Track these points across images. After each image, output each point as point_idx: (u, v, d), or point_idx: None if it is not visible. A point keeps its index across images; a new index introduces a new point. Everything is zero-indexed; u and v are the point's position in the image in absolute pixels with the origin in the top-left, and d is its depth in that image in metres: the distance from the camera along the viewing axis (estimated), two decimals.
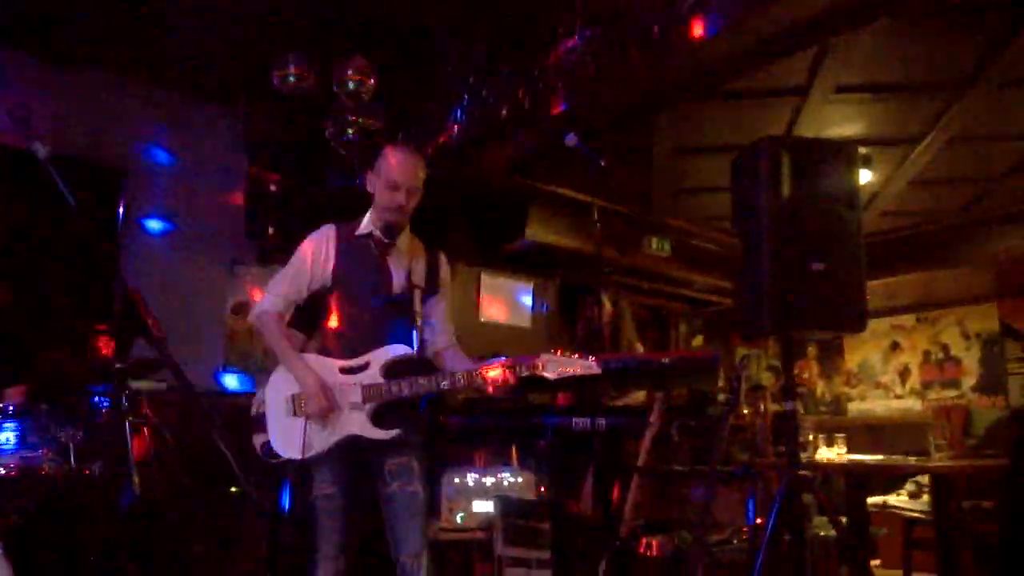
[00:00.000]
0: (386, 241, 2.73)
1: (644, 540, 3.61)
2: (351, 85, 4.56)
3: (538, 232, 5.58)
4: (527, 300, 6.23)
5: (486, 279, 5.98)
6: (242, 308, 5.77)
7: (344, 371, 2.65)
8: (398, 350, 2.66)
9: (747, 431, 4.42)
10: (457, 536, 3.71)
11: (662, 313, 8.05)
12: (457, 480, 3.78)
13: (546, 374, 2.53)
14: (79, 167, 5.09)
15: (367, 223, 2.78)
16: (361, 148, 4.76)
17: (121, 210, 5.27)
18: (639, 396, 4.51)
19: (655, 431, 3.76)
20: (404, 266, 2.76)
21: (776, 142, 2.89)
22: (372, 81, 4.58)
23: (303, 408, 2.61)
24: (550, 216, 5.61)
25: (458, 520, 3.73)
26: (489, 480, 3.78)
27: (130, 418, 3.62)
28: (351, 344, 2.68)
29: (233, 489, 4.74)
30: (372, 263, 2.73)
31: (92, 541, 3.46)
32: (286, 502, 3.52)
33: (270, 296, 2.75)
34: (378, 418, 2.61)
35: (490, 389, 2.58)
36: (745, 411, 4.43)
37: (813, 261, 2.73)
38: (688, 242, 6.59)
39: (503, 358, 2.66)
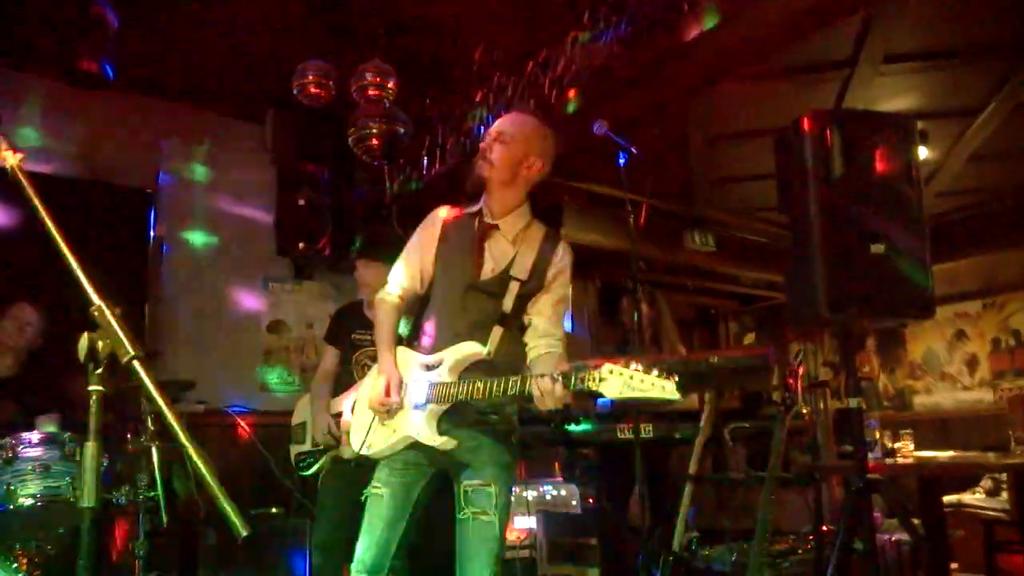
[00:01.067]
0: (489, 222, 2.37)
1: (700, 552, 3.37)
2: (371, 90, 4.43)
3: (574, 232, 5.37)
4: None
5: None
6: (277, 326, 5.69)
7: (424, 367, 2.34)
8: (469, 349, 2.29)
9: (807, 432, 4.14)
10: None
11: (710, 312, 7.76)
12: None
13: (605, 391, 1.96)
14: (109, 190, 5.08)
15: (482, 199, 2.45)
16: (385, 153, 4.62)
17: (152, 231, 5.25)
18: (688, 401, 4.26)
19: (706, 436, 3.52)
20: (505, 252, 2.37)
21: (822, 116, 2.68)
22: (392, 84, 4.44)
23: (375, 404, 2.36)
24: (586, 215, 5.40)
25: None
26: (530, 494, 3.57)
27: (157, 443, 3.55)
28: (434, 336, 2.37)
29: (273, 510, 4.65)
30: (466, 245, 2.38)
31: (122, 569, 3.37)
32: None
33: (390, 284, 2.49)
34: (441, 423, 2.29)
35: (540, 405, 2.09)
36: (804, 411, 4.15)
37: (870, 244, 2.50)
38: (733, 235, 6.31)
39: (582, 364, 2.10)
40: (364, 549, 2.34)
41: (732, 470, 3.60)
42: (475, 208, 2.44)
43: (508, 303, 2.32)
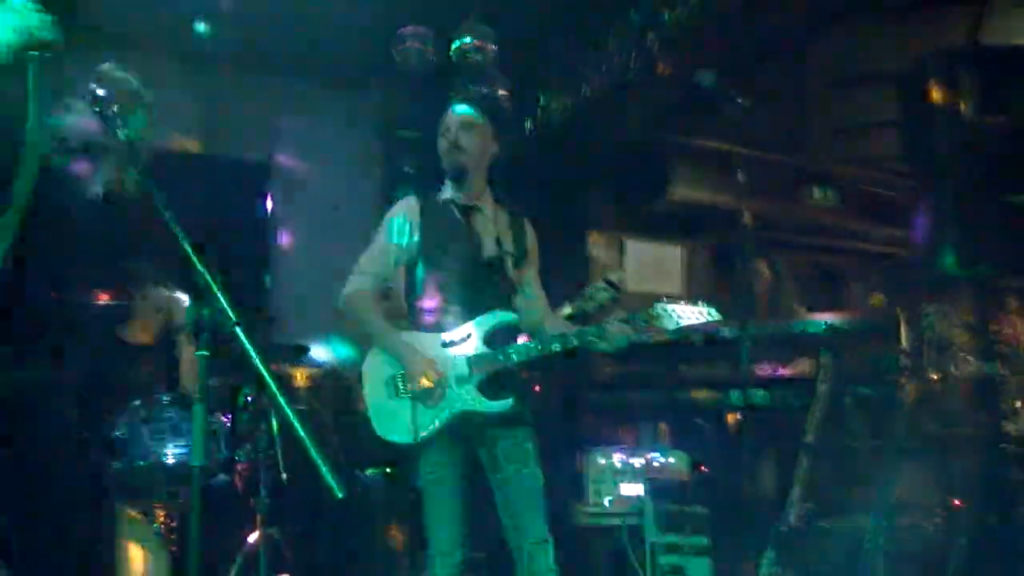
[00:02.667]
0: (469, 206, 2.59)
1: (816, 525, 3.21)
2: (472, 53, 4.37)
3: (683, 190, 5.16)
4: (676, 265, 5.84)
5: (630, 245, 5.63)
6: (388, 293, 5.81)
7: (446, 344, 2.48)
8: (499, 317, 2.51)
9: (937, 399, 3.85)
10: (604, 521, 3.47)
11: (832, 271, 7.34)
12: (602, 461, 3.53)
13: (665, 324, 2.46)
14: (227, 165, 5.32)
15: (446, 189, 2.64)
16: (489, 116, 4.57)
17: (269, 202, 5.45)
18: (804, 365, 4.05)
19: (825, 403, 3.33)
20: (491, 232, 2.60)
21: (951, 55, 2.43)
22: (492, 46, 4.37)
23: (407, 387, 2.43)
24: (696, 172, 5.18)
25: (605, 504, 3.49)
26: (637, 461, 3.50)
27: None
28: (447, 315, 2.51)
29: (388, 470, 4.79)
30: (458, 228, 2.57)
31: (245, 524, 3.54)
32: None
33: (357, 277, 2.58)
34: (488, 390, 2.45)
35: (604, 344, 2.48)
36: (934, 376, 3.86)
37: (1010, 193, 2.27)
38: (857, 188, 5.91)
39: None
40: (443, 535, 2.42)
41: (852, 439, 3.40)
42: (446, 195, 2.63)
43: (510, 274, 2.60)
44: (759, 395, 3.45)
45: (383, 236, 2.60)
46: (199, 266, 1.44)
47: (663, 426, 3.71)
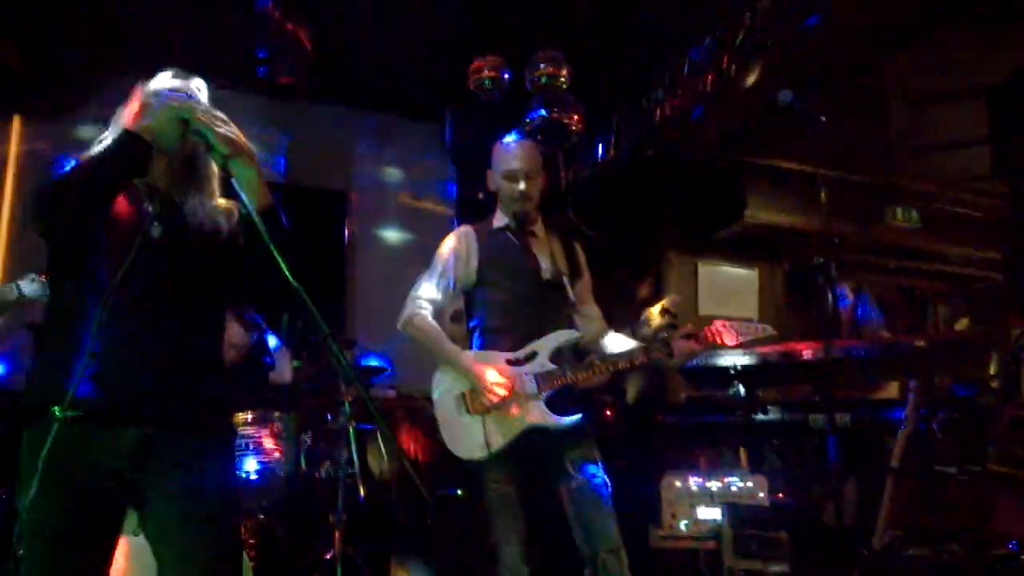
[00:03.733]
0: (522, 231, 2.70)
1: (903, 552, 3.09)
2: (545, 79, 4.45)
3: (759, 212, 5.09)
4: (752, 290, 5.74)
5: (704, 269, 5.57)
6: (459, 316, 5.89)
7: (511, 363, 2.55)
8: (564, 335, 2.61)
9: None
10: (681, 544, 3.41)
11: (916, 294, 7.10)
12: (678, 484, 3.47)
13: (725, 340, 2.57)
14: (307, 194, 5.51)
15: (499, 217, 2.76)
16: (559, 140, 4.63)
17: (346, 230, 5.62)
18: (890, 389, 3.93)
19: (912, 426, 3.22)
20: (547, 252, 2.71)
21: None
22: (565, 71, 4.44)
23: (478, 404, 2.50)
24: (771, 193, 5.11)
25: (682, 528, 3.43)
26: (714, 484, 3.43)
27: (354, 423, 3.79)
28: (511, 336, 2.59)
29: (459, 492, 4.82)
30: (516, 252, 2.67)
31: (323, 542, 3.61)
32: None
33: (416, 301, 2.66)
34: (555, 406, 2.52)
35: (672, 360, 2.57)
36: None
37: None
38: (941, 208, 5.72)
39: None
40: (511, 549, 2.45)
41: (941, 464, 3.27)
42: (500, 223, 2.74)
43: (568, 292, 2.66)
44: (844, 419, 3.36)
45: (440, 264, 2.70)
46: (293, 281, 1.51)
47: (742, 450, 3.63)
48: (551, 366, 2.54)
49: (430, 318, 2.63)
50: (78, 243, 1.66)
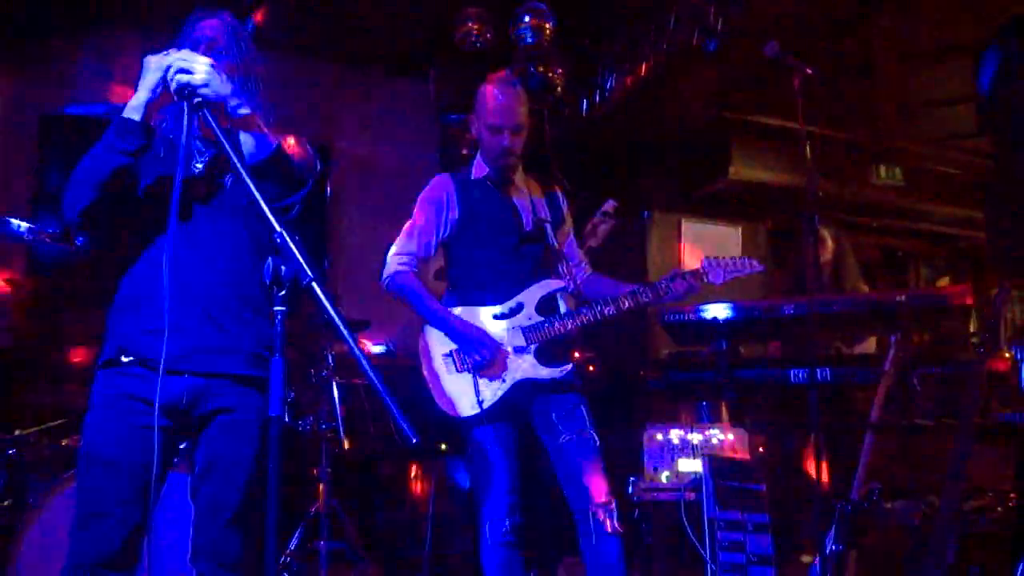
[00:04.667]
0: (503, 181, 2.64)
1: (882, 505, 3.15)
2: (530, 33, 4.37)
3: (743, 170, 5.09)
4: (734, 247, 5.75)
5: (687, 226, 5.58)
6: (442, 273, 5.87)
7: (498, 317, 2.54)
8: (549, 285, 2.57)
9: (1009, 380, 3.73)
10: (663, 496, 3.45)
11: (896, 253, 7.15)
12: (660, 438, 3.50)
13: (712, 280, 2.53)
14: None
15: (479, 166, 2.68)
16: (543, 96, 4.57)
17: (328, 189, 5.56)
18: (868, 344, 3.97)
19: (891, 381, 3.26)
20: (527, 201, 2.65)
21: None
22: (550, 25, 4.36)
23: (467, 362, 2.48)
24: (756, 151, 5.10)
25: (663, 480, 3.47)
26: (696, 438, 3.46)
27: (337, 378, 3.78)
28: (496, 289, 2.55)
29: (443, 447, 4.85)
30: (497, 203, 2.62)
31: (307, 496, 3.64)
32: None
33: (398, 257, 2.62)
34: (544, 358, 2.50)
35: (659, 303, 2.55)
36: (1007, 355, 3.75)
37: None
38: (924, 167, 5.74)
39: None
40: (495, 503, 2.46)
41: (919, 418, 3.32)
42: (480, 173, 2.65)
43: (552, 241, 2.62)
44: (824, 374, 3.39)
45: (420, 218, 2.63)
46: (276, 225, 1.49)
47: (723, 405, 3.67)
48: (538, 318, 2.52)
49: (412, 275, 2.58)
50: (117, 219, 1.80)
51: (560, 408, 2.51)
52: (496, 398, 2.47)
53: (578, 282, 2.71)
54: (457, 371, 2.51)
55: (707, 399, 3.72)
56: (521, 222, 2.61)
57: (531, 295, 2.55)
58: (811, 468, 3.37)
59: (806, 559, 3.32)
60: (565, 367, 2.50)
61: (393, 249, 2.65)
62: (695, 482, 3.38)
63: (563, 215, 2.75)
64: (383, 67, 5.59)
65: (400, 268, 2.60)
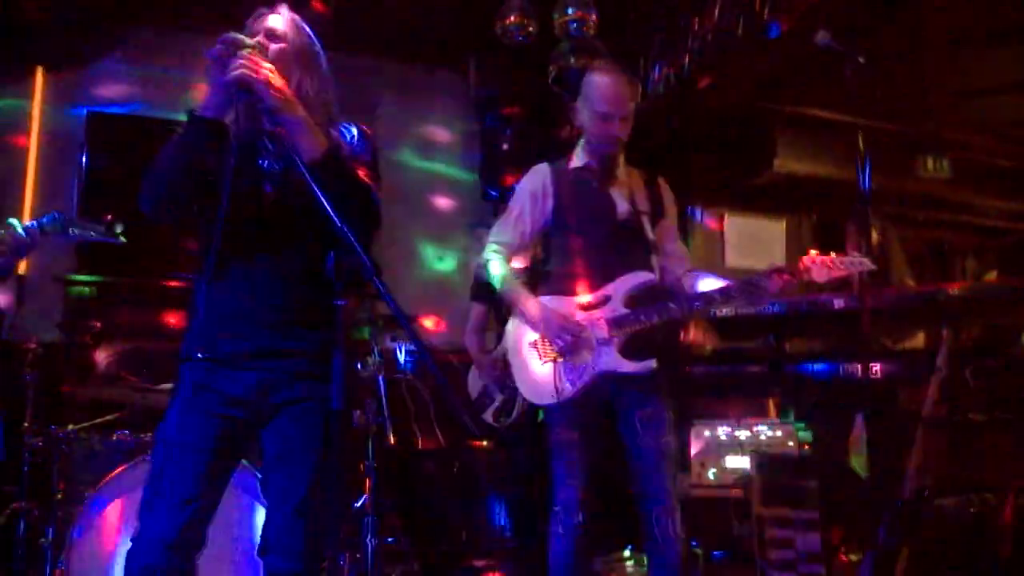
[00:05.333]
0: (602, 172, 2.59)
1: (934, 502, 3.09)
2: (573, 24, 4.34)
3: (789, 162, 5.00)
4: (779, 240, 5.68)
5: (731, 220, 5.52)
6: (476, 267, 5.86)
7: (584, 308, 2.51)
8: (639, 278, 2.51)
9: None
10: (710, 493, 3.44)
11: (942, 247, 7.00)
12: (707, 434, 3.49)
13: (814, 278, 2.37)
14: None
15: (580, 156, 2.64)
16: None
17: None
18: (918, 338, 3.90)
19: (943, 375, 3.19)
20: (626, 194, 2.60)
21: None
22: (594, 17, 4.33)
23: (548, 350, 2.49)
24: (802, 142, 5.01)
25: (710, 476, 3.45)
26: (743, 434, 3.45)
27: (383, 372, 3.81)
28: (585, 279, 2.53)
29: (484, 443, 4.86)
30: (593, 194, 2.58)
31: (352, 485, 3.66)
32: None
33: (492, 245, 2.65)
34: (628, 352, 2.45)
35: (753, 301, 2.50)
36: None
37: None
38: (972, 158, 5.60)
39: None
40: (567, 495, 2.46)
41: (973, 412, 3.25)
42: (580, 162, 2.62)
43: (647, 234, 2.57)
44: (873, 368, 3.34)
45: (516, 205, 2.65)
46: (338, 221, 1.50)
47: (771, 400, 3.63)
48: (624, 310, 2.47)
49: (504, 262, 2.62)
50: (194, 216, 1.84)
51: (642, 408, 2.47)
52: (576, 389, 2.46)
53: (674, 277, 2.64)
54: (540, 359, 2.52)
55: (754, 394, 3.68)
56: (616, 213, 2.57)
57: (619, 287, 2.50)
58: (861, 464, 3.33)
59: (856, 557, 3.28)
60: (648, 362, 2.44)
61: (489, 237, 2.69)
62: (743, 478, 3.36)
63: (664, 208, 2.68)
64: (424, 58, 5.59)
65: (492, 255, 2.63)
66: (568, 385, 2.45)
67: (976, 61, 4.62)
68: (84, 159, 4.47)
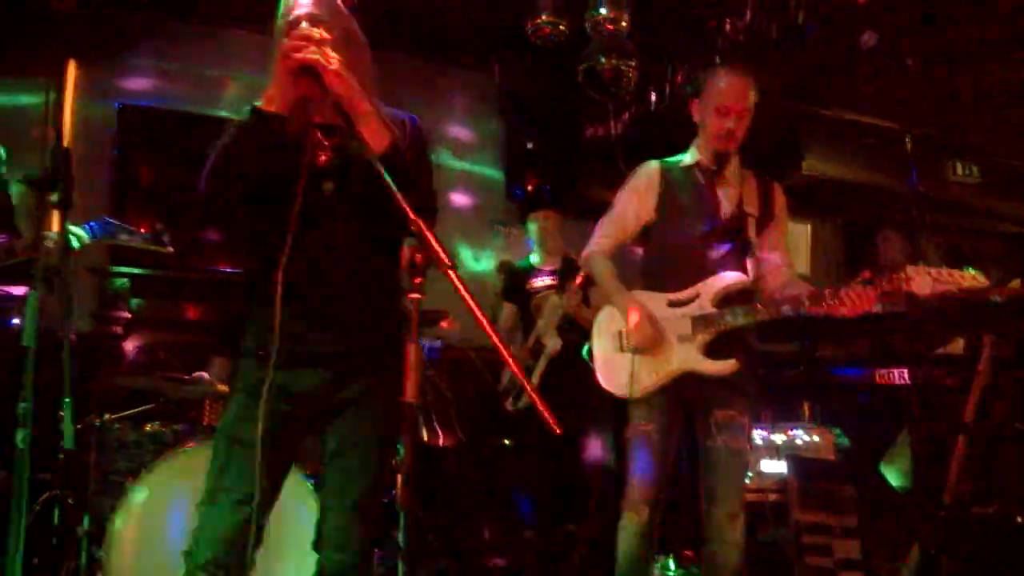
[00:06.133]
0: (713, 169, 2.57)
1: (975, 510, 3.06)
2: (605, 24, 4.30)
3: (817, 164, 4.97)
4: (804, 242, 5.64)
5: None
6: (503, 267, 5.84)
7: (673, 304, 2.49)
8: (730, 278, 2.47)
9: None
10: (746, 497, 3.40)
11: (966, 253, 6.95)
12: None
13: (916, 289, 2.25)
14: None
15: (692, 153, 2.64)
16: (615, 88, 4.51)
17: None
18: (956, 344, 3.86)
19: (985, 382, 3.16)
20: (734, 194, 2.56)
21: None
22: (626, 18, 4.29)
23: (629, 343, 2.48)
24: (831, 145, 4.98)
25: (746, 480, 3.42)
26: (779, 438, 3.42)
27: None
28: (679, 275, 2.52)
29: (507, 442, 4.84)
30: (698, 191, 2.57)
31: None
32: None
33: (596, 238, 2.68)
34: (711, 352, 2.42)
35: (845, 310, 2.31)
36: None
37: None
38: (1003, 163, 5.56)
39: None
40: (641, 485, 2.45)
41: (1016, 420, 3.22)
42: (691, 160, 2.62)
43: (749, 236, 2.53)
44: (911, 374, 3.31)
45: (623, 199, 2.66)
46: (411, 213, 1.48)
47: (806, 404, 3.60)
48: (711, 309, 2.44)
49: (604, 255, 2.63)
50: (252, 211, 1.81)
51: (721, 410, 2.44)
52: (652, 384, 2.45)
53: (771, 281, 2.57)
54: (620, 351, 2.53)
55: (789, 398, 3.65)
56: (719, 212, 2.54)
57: (710, 286, 2.47)
58: (901, 470, 3.29)
59: (895, 564, 3.24)
60: (730, 364, 2.40)
61: (596, 230, 2.70)
62: (779, 483, 3.33)
63: (773, 212, 2.62)
64: (448, 58, 5.57)
65: (595, 248, 2.65)
66: (646, 380, 2.45)
67: (1004, 66, 4.57)
68: (116, 152, 4.47)
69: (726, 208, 2.54)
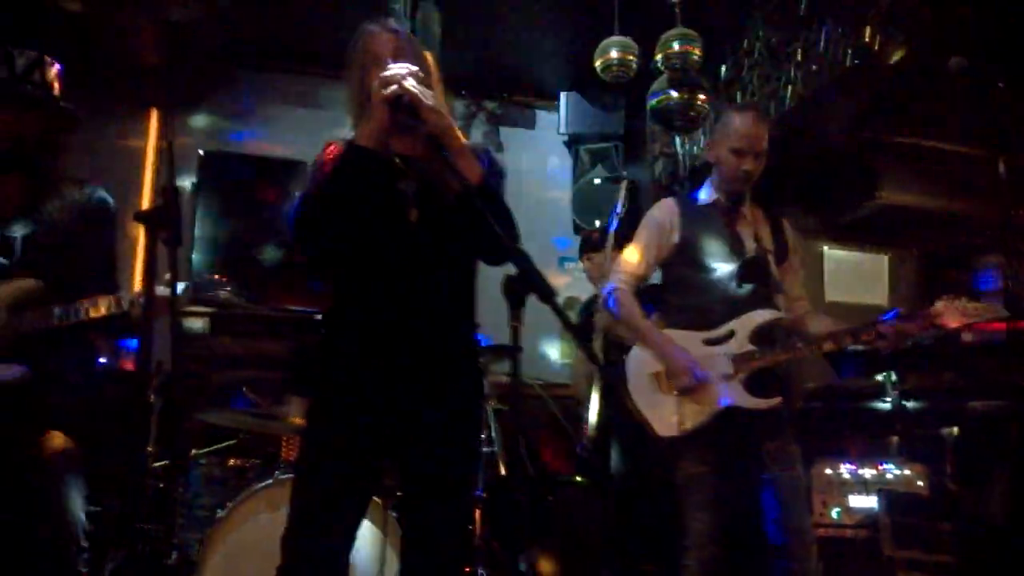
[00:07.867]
0: (731, 207, 2.63)
1: None
2: (676, 60, 4.31)
3: (892, 193, 4.86)
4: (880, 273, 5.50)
5: (830, 254, 5.39)
6: (572, 303, 5.84)
7: (708, 343, 2.51)
8: (764, 315, 2.52)
9: None
10: (834, 533, 3.29)
11: None
12: (829, 472, 3.35)
13: (946, 323, 2.35)
14: None
15: (709, 192, 2.69)
16: (685, 123, 4.51)
17: None
18: None
19: None
20: (752, 231, 2.64)
21: None
22: (698, 51, 4.30)
23: (672, 384, 2.49)
24: (907, 172, 4.87)
25: (833, 516, 3.31)
26: (868, 472, 3.30)
27: (493, 402, 3.79)
28: (709, 315, 2.56)
29: (579, 479, 4.78)
30: (721, 230, 2.62)
31: None
32: None
33: (618, 275, 2.69)
34: (753, 388, 2.46)
35: (883, 343, 2.41)
36: None
37: None
38: None
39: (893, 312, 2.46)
40: (697, 530, 2.45)
41: None
42: (708, 198, 2.66)
43: (772, 273, 2.59)
44: (1010, 406, 3.18)
45: (643, 237, 2.69)
46: (514, 248, 1.51)
47: (894, 438, 3.48)
48: (749, 347, 2.49)
49: (629, 293, 2.64)
50: (341, 252, 1.82)
51: (771, 443, 2.48)
52: (698, 423, 2.46)
53: (797, 316, 2.67)
54: (662, 392, 2.53)
55: (876, 432, 3.53)
56: (743, 250, 2.60)
57: (745, 323, 2.52)
58: (998, 506, 3.15)
59: None
60: (774, 399, 2.45)
61: (614, 267, 2.74)
62: (869, 519, 3.21)
63: (788, 249, 2.71)
64: (519, 94, 5.67)
65: (619, 286, 2.67)
66: (692, 420, 2.46)
67: None
68: (197, 197, 4.64)
69: (749, 245, 2.59)
